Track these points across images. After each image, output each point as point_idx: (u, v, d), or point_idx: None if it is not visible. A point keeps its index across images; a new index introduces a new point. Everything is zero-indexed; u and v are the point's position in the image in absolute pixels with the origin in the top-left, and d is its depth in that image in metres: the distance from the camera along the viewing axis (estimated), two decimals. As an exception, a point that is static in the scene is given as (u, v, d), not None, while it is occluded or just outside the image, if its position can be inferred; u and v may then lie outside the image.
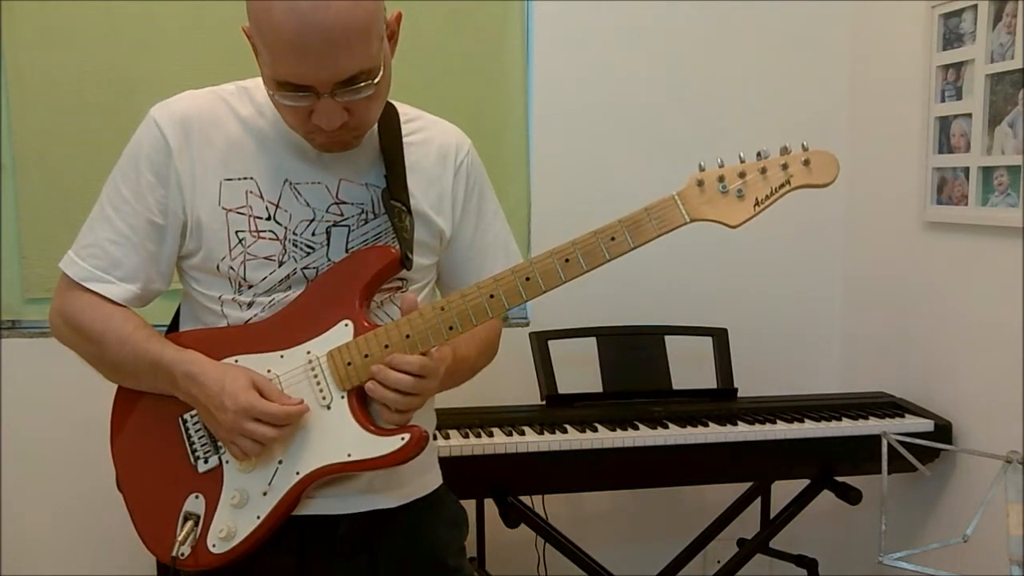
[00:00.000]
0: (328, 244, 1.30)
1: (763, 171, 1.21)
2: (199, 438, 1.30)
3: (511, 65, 2.46)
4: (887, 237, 2.45)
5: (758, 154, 1.21)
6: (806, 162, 1.20)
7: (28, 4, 2.21)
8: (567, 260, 1.23)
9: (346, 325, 1.28)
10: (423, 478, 1.42)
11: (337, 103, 1.17)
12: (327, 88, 1.15)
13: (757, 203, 1.21)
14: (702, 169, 1.22)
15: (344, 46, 1.12)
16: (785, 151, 1.21)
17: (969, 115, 2.11)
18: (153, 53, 2.26)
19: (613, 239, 1.22)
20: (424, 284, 1.40)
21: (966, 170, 2.13)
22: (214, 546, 1.27)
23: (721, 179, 1.21)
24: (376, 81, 1.17)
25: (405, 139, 1.35)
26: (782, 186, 1.21)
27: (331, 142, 1.25)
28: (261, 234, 1.28)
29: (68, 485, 2.25)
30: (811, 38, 2.58)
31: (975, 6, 2.08)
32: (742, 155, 1.22)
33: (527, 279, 1.24)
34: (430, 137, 1.39)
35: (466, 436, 2.02)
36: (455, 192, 1.39)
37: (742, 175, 1.20)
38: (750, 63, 2.56)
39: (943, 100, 2.21)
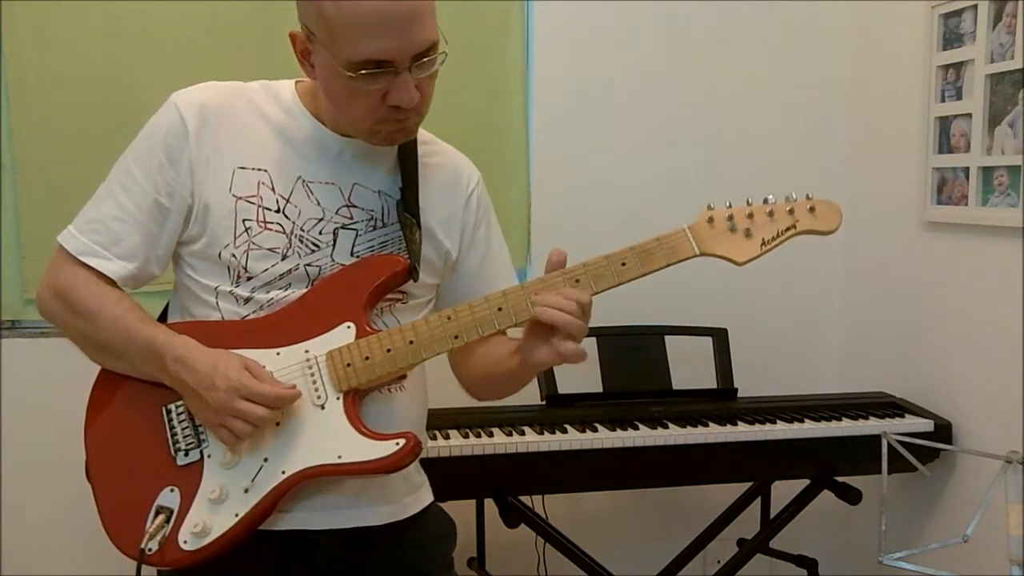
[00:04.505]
0: (334, 245, 1.31)
1: (770, 214, 1.27)
2: (183, 430, 1.27)
3: (511, 65, 2.45)
4: (887, 237, 2.45)
5: (765, 199, 1.28)
6: (812, 209, 1.28)
7: (28, 4, 2.20)
8: (577, 281, 1.26)
9: (348, 327, 1.28)
10: (413, 496, 1.41)
11: (412, 79, 1.19)
12: (406, 62, 1.18)
13: (764, 243, 1.27)
14: (711, 208, 1.28)
15: (421, 15, 1.17)
16: (790, 199, 1.28)
17: (969, 115, 2.11)
18: (153, 53, 2.26)
19: (624, 265, 1.27)
20: (425, 301, 1.41)
21: (966, 170, 2.13)
22: (185, 542, 1.23)
23: (730, 218, 1.27)
24: (441, 55, 1.21)
25: (420, 159, 1.37)
26: (787, 229, 1.28)
27: (398, 130, 1.26)
28: (268, 225, 1.28)
29: (68, 485, 2.22)
30: (811, 38, 2.57)
31: (975, 6, 2.08)
32: (750, 199, 1.28)
33: (536, 295, 1.25)
34: (444, 161, 1.42)
35: (466, 436, 2.01)
36: (465, 219, 1.42)
37: (750, 216, 1.27)
38: (750, 63, 2.55)
39: (943, 100, 2.21)
